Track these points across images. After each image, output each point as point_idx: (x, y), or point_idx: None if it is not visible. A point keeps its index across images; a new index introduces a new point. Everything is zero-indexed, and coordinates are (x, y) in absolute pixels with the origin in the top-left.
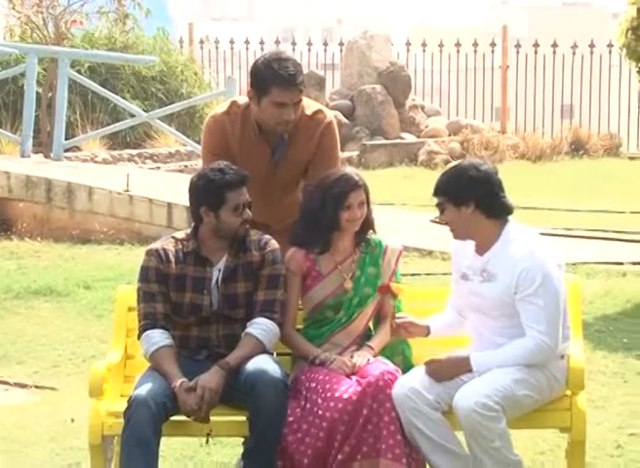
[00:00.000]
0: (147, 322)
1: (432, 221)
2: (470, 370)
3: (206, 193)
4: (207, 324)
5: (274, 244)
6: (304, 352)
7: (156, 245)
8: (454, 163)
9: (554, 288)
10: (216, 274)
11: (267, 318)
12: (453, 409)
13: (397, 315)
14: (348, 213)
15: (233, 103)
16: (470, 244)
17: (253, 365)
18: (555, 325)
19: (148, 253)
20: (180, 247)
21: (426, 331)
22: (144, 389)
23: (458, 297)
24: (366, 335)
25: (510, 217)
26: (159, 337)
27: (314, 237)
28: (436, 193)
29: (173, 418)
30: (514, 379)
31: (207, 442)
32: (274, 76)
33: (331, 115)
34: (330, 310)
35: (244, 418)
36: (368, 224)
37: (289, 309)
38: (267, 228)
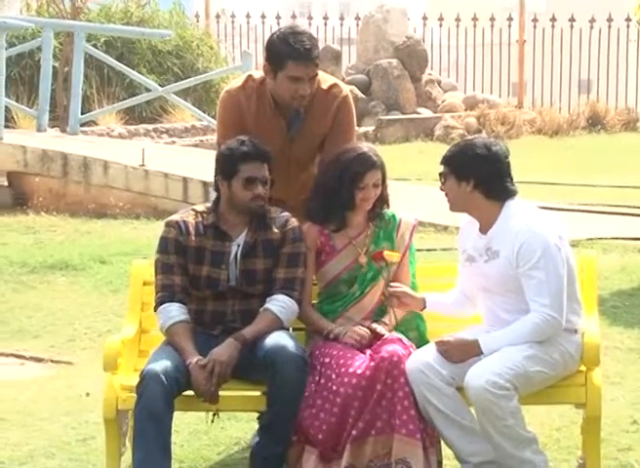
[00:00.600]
0: (165, 294)
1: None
2: (481, 353)
3: (222, 162)
4: (223, 298)
5: (295, 222)
6: (319, 327)
7: (176, 216)
8: (470, 137)
9: (555, 259)
10: (235, 249)
11: (287, 295)
12: (464, 387)
13: (391, 284)
14: (363, 192)
15: (249, 78)
16: (475, 225)
17: (272, 340)
18: (559, 297)
19: (168, 224)
20: (200, 219)
21: (422, 304)
22: (157, 364)
23: (465, 280)
24: (380, 310)
25: None
26: (176, 312)
27: (329, 214)
28: (442, 161)
29: (186, 393)
30: (526, 356)
31: (212, 421)
32: (290, 50)
33: (347, 89)
34: (344, 285)
35: (259, 393)
36: (382, 200)
37: (305, 285)
38: (282, 203)
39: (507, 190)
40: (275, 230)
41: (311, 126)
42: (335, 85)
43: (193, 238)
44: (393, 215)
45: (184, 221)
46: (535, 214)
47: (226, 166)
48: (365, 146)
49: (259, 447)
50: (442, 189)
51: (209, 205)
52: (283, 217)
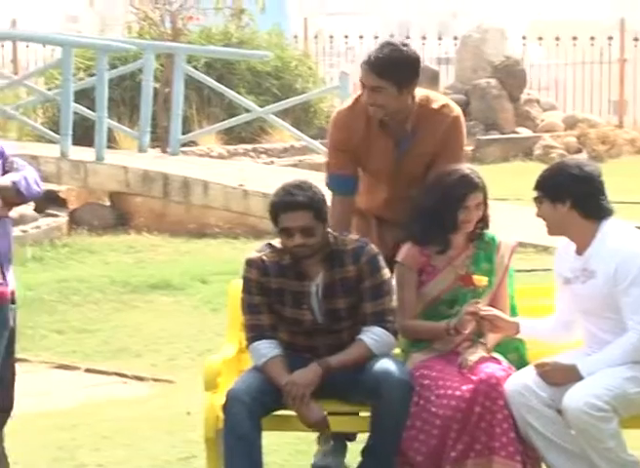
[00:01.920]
0: (254, 334)
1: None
2: (581, 378)
3: (269, 210)
4: (311, 335)
5: (370, 251)
6: (431, 331)
7: (255, 255)
8: (562, 159)
9: None
10: (314, 288)
11: (382, 327)
12: (563, 409)
13: (483, 308)
14: (465, 213)
15: (359, 97)
16: (571, 247)
17: (378, 364)
18: None
19: (249, 263)
20: (278, 259)
21: (515, 329)
22: (239, 384)
23: (562, 305)
24: (479, 332)
25: None
26: (267, 348)
27: (432, 236)
28: (535, 187)
29: (276, 413)
30: (625, 378)
31: (323, 446)
32: (365, 58)
33: (458, 110)
34: (444, 305)
35: (366, 415)
36: (483, 221)
37: (406, 304)
38: (392, 222)
39: (604, 208)
40: (350, 267)
41: (420, 145)
42: (445, 105)
43: (273, 279)
44: (493, 238)
45: (263, 261)
46: (632, 232)
47: (272, 214)
48: (466, 168)
49: None
50: (538, 215)
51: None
52: (358, 249)
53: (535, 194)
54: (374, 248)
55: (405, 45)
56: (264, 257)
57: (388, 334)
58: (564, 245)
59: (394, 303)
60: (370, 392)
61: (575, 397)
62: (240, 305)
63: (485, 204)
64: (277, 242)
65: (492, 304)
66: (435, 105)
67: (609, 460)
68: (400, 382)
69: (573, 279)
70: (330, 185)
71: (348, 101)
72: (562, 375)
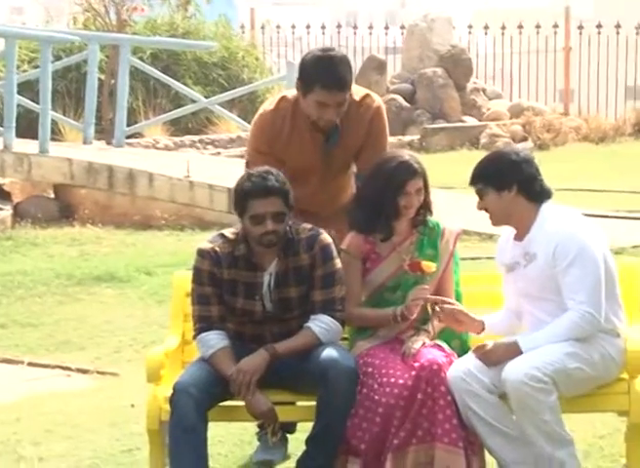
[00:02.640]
0: (203, 325)
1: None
2: (520, 353)
3: (234, 198)
4: (260, 324)
5: (323, 240)
6: (378, 318)
7: (207, 245)
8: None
9: (591, 258)
10: (267, 278)
11: (330, 316)
12: (502, 382)
13: (449, 300)
14: (406, 199)
15: (282, 98)
16: (510, 236)
17: (324, 352)
18: (596, 294)
19: (201, 253)
20: (231, 249)
21: (481, 327)
22: (186, 376)
23: (510, 295)
24: (423, 319)
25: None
26: (215, 340)
27: (375, 224)
28: (474, 180)
29: (223, 404)
30: (566, 353)
31: (272, 437)
32: (319, 76)
33: (379, 99)
34: (388, 292)
35: (306, 404)
36: (426, 208)
37: (352, 291)
38: (316, 215)
39: (545, 190)
40: (304, 255)
41: (347, 138)
42: (367, 95)
43: (226, 270)
44: (437, 224)
45: (216, 252)
46: (569, 215)
47: (237, 203)
48: (406, 154)
49: (306, 457)
50: (481, 207)
51: (237, 231)
52: (311, 238)
53: (474, 188)
54: (327, 237)
55: (333, 49)
56: (217, 248)
57: (336, 323)
58: (503, 237)
59: (344, 293)
60: (316, 380)
61: (515, 369)
62: (189, 295)
63: (426, 190)
64: (229, 232)
65: (437, 290)
66: (357, 97)
67: (546, 434)
68: (346, 370)
69: (514, 265)
70: None
71: (272, 103)
72: (503, 352)
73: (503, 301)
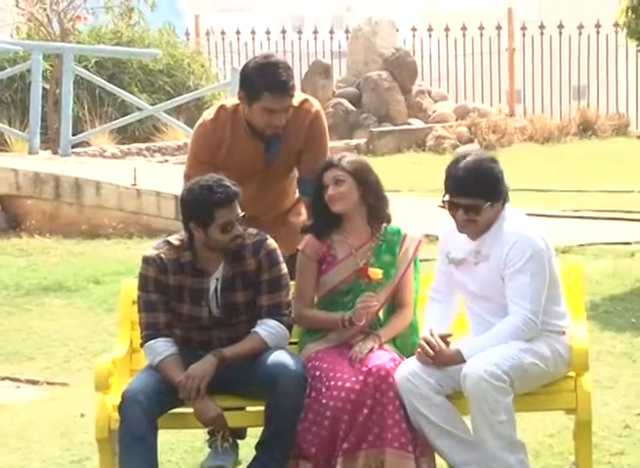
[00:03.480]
0: (150, 332)
1: (441, 207)
2: (463, 361)
3: (194, 210)
4: (207, 329)
5: (269, 245)
6: (327, 322)
7: (153, 252)
8: (463, 148)
9: (541, 264)
10: (214, 283)
11: (277, 321)
12: (462, 378)
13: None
14: (326, 192)
15: (221, 108)
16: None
17: (272, 357)
18: (539, 301)
19: (146, 260)
20: (177, 256)
21: (460, 358)
22: (135, 384)
23: (444, 282)
24: (374, 324)
25: None
26: (163, 347)
27: (324, 226)
28: (469, 195)
29: (172, 411)
30: (521, 349)
31: (222, 443)
32: (266, 82)
33: (317, 104)
34: (342, 295)
35: (256, 409)
36: (377, 210)
37: (304, 291)
38: (255, 219)
39: (507, 195)
40: (250, 260)
41: (288, 143)
42: (305, 100)
43: (172, 276)
44: (398, 230)
45: (161, 259)
46: (523, 219)
47: (200, 214)
48: (337, 154)
49: (256, 463)
50: (470, 220)
51: (181, 237)
52: (257, 243)
53: (471, 200)
54: (272, 242)
55: (273, 55)
56: (162, 255)
57: (283, 328)
58: (448, 227)
59: (290, 297)
60: (265, 385)
61: (475, 365)
62: (136, 303)
63: (370, 194)
64: (174, 238)
65: (395, 297)
66: (296, 102)
67: (499, 436)
68: (294, 375)
69: (462, 261)
70: None
71: (210, 113)
72: (446, 361)
73: (433, 287)
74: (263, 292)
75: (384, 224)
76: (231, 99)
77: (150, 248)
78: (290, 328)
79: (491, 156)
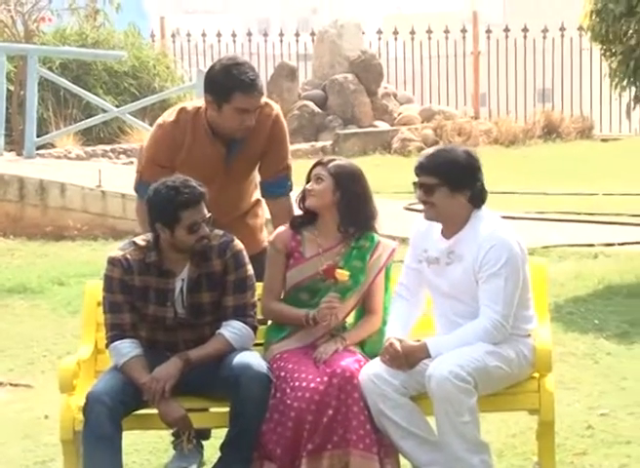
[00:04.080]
0: (115, 333)
1: (406, 209)
2: (428, 356)
3: (160, 211)
4: (173, 330)
5: (235, 246)
6: (292, 317)
7: (118, 253)
8: (429, 150)
9: (516, 269)
10: (179, 284)
11: (242, 322)
12: (426, 379)
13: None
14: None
15: (182, 110)
16: (435, 228)
17: (237, 358)
18: (511, 306)
19: (111, 261)
20: (142, 257)
21: (425, 351)
22: (100, 386)
23: (415, 282)
24: (341, 327)
25: None
26: (128, 348)
27: (298, 217)
28: (426, 171)
29: (137, 412)
30: (486, 351)
31: (187, 443)
32: (236, 82)
33: (277, 107)
34: (305, 293)
35: (220, 410)
36: (349, 217)
37: (272, 285)
38: (215, 222)
39: (484, 196)
40: (216, 261)
41: (249, 147)
42: (266, 104)
43: (137, 277)
44: (372, 237)
45: (127, 260)
46: (501, 222)
47: (167, 214)
48: (333, 156)
49: (220, 464)
50: (424, 200)
51: (147, 238)
52: (224, 244)
53: (424, 178)
54: (239, 243)
55: (237, 57)
56: (128, 255)
57: (248, 329)
58: (422, 223)
59: (256, 299)
60: (229, 387)
61: (439, 366)
62: (101, 304)
63: (347, 201)
64: (140, 239)
65: (363, 304)
66: None
67: (462, 436)
68: (258, 376)
69: (434, 260)
70: (140, 191)
71: (171, 115)
72: (409, 355)
73: (402, 281)
74: (229, 293)
75: (354, 231)
76: (191, 102)
77: (116, 249)
78: (255, 329)
79: (469, 149)
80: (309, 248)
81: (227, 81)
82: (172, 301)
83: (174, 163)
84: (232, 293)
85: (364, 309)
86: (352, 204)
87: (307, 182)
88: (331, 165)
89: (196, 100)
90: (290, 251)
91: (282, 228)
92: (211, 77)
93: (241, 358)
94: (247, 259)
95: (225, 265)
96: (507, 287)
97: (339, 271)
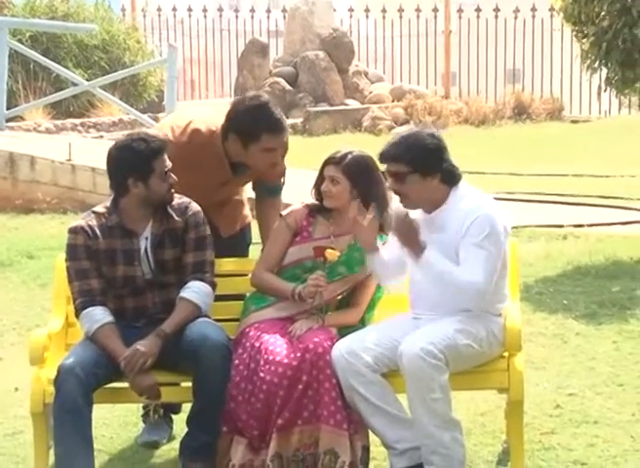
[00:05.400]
0: (85, 299)
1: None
2: (422, 250)
3: (134, 163)
4: (142, 293)
5: (195, 207)
6: (279, 289)
7: (80, 222)
8: (400, 129)
9: (498, 246)
10: (144, 243)
11: (199, 280)
12: (398, 356)
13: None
14: (323, 184)
15: (195, 131)
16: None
17: (195, 330)
18: (490, 280)
19: (73, 230)
20: (104, 221)
21: (423, 245)
22: (72, 358)
23: (395, 250)
24: (324, 308)
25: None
26: (101, 315)
27: (316, 204)
28: (392, 160)
29: (108, 386)
30: (456, 329)
31: (154, 416)
32: (264, 124)
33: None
34: (300, 270)
35: (189, 384)
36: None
37: (270, 256)
38: (217, 237)
39: (459, 175)
40: (177, 218)
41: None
42: None
43: (102, 241)
44: (381, 236)
45: (89, 226)
46: (487, 198)
47: (140, 166)
48: (353, 150)
49: (188, 438)
50: (398, 191)
51: (107, 205)
52: (183, 204)
53: (395, 167)
54: (197, 205)
55: (260, 95)
56: (89, 222)
57: (206, 286)
58: None
59: (213, 258)
60: (189, 358)
61: (411, 343)
62: (66, 275)
63: (361, 193)
64: (100, 207)
65: (351, 294)
66: None
67: (434, 413)
68: (217, 346)
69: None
70: None
71: (183, 135)
72: (412, 230)
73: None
74: (189, 250)
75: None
76: (203, 124)
77: (77, 220)
78: (214, 286)
79: (432, 131)
80: (319, 230)
81: (255, 123)
82: (139, 260)
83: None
84: (192, 250)
85: (348, 301)
86: (367, 202)
87: (320, 179)
88: (344, 164)
89: (207, 122)
90: (299, 228)
91: (297, 206)
92: (236, 118)
93: (199, 329)
94: (205, 220)
95: (186, 223)
96: (489, 260)
97: (329, 251)
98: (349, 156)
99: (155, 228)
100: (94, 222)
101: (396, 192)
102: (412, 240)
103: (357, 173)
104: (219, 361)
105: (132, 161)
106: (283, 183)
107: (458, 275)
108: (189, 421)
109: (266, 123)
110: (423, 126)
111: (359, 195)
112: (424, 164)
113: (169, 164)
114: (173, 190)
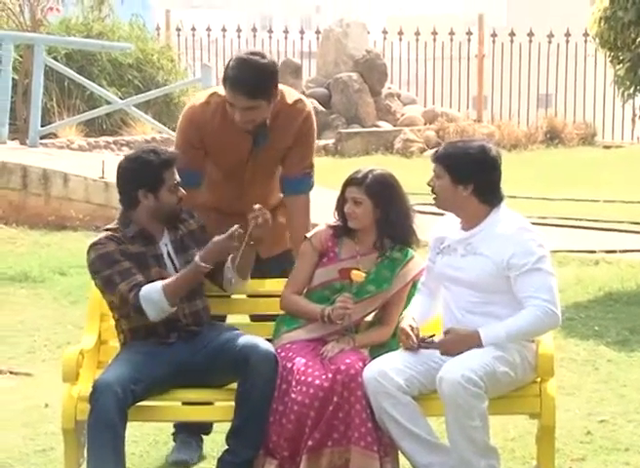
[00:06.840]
0: (136, 289)
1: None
2: (480, 345)
3: (144, 175)
4: None
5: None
6: (308, 311)
7: (101, 235)
8: (466, 138)
9: (549, 263)
10: (165, 249)
11: None
12: (437, 382)
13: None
14: (346, 206)
15: (213, 94)
16: (456, 221)
17: (244, 340)
18: (556, 296)
19: (99, 242)
20: (124, 233)
21: (477, 339)
22: (110, 374)
23: (432, 276)
24: (354, 330)
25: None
26: (153, 285)
27: (341, 226)
28: (437, 159)
29: (141, 404)
30: (494, 356)
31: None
32: (229, 76)
33: (310, 105)
34: (329, 292)
35: (230, 404)
36: (386, 229)
37: (298, 278)
38: (242, 216)
39: (500, 196)
40: (190, 221)
41: (276, 140)
42: (299, 100)
43: (130, 246)
44: (407, 252)
45: (113, 236)
46: (527, 222)
47: (151, 177)
48: (375, 169)
49: (228, 455)
50: (432, 185)
51: (117, 221)
52: (188, 209)
53: (436, 164)
54: None
55: (261, 56)
56: (111, 233)
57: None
58: (448, 218)
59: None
60: (237, 367)
61: (451, 369)
62: (106, 286)
63: (382, 209)
64: (111, 225)
65: (381, 312)
66: (290, 100)
67: (472, 440)
68: (267, 354)
69: (450, 250)
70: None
71: (202, 97)
72: (461, 342)
73: (423, 281)
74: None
75: (389, 242)
76: (221, 89)
77: (97, 238)
78: None
79: (487, 144)
80: (346, 250)
81: (226, 71)
82: (164, 265)
83: (204, 145)
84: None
85: (378, 319)
86: (391, 219)
87: (341, 200)
88: (366, 184)
89: None
90: (325, 249)
91: (322, 227)
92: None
93: (248, 339)
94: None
95: (199, 223)
96: (548, 280)
97: (354, 272)
98: (370, 175)
99: (172, 234)
100: (115, 234)
101: (432, 190)
102: (455, 349)
103: (379, 191)
104: (269, 370)
105: (142, 172)
106: (312, 182)
107: (526, 320)
108: (230, 437)
109: (232, 77)
110: (488, 140)
111: (382, 214)
112: (457, 171)
113: (177, 177)
114: (181, 201)
